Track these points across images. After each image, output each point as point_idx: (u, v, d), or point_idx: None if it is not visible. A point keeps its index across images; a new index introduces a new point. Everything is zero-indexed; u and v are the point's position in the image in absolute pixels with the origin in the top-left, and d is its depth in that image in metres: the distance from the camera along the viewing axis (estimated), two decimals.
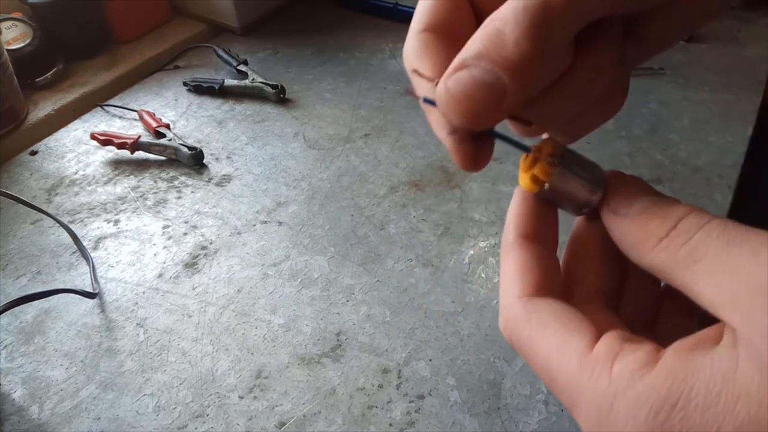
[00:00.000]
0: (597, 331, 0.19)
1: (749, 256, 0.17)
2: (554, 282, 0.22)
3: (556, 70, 0.22)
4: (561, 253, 0.25)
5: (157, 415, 0.49)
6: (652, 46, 0.24)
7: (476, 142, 0.22)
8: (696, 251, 0.18)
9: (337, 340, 0.53)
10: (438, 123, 0.22)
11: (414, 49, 0.23)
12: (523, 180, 0.23)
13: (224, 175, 0.72)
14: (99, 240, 0.64)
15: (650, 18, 0.23)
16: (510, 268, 0.22)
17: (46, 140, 0.78)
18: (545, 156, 0.22)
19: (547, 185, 0.22)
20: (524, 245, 0.22)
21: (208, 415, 0.48)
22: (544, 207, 0.23)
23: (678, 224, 0.19)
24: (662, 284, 0.24)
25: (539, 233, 0.23)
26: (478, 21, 0.24)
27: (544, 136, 0.24)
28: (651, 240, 0.19)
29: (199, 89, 0.84)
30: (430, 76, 0.22)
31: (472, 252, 0.61)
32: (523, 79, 0.19)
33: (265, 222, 0.65)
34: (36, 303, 0.56)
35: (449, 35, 0.23)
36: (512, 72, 0.19)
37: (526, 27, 0.18)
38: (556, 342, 0.19)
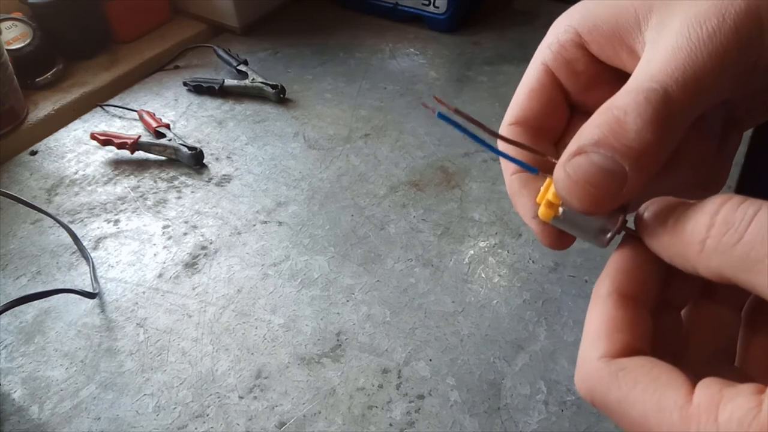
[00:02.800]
0: (691, 381, 0.18)
1: None
2: (644, 345, 0.20)
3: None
4: None
5: (157, 415, 0.49)
6: (747, 128, 0.25)
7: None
8: (754, 250, 0.16)
9: (337, 340, 0.53)
10: (524, 207, 0.23)
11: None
12: (540, 210, 0.22)
13: (224, 175, 0.72)
14: (99, 240, 0.64)
15: (752, 106, 0.23)
16: (597, 325, 0.20)
17: (46, 140, 0.78)
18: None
19: (561, 210, 0.21)
20: (619, 303, 0.20)
21: (208, 415, 0.48)
22: (651, 266, 0.21)
23: (716, 220, 0.17)
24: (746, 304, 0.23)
25: (640, 292, 0.21)
26: (571, 114, 0.26)
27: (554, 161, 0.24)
28: (694, 247, 0.18)
29: (199, 89, 0.84)
30: (530, 158, 0.23)
31: (472, 252, 0.61)
32: (644, 167, 0.19)
33: (265, 222, 0.65)
34: (36, 303, 0.56)
35: (540, 129, 0.24)
36: (634, 160, 0.19)
37: (649, 117, 0.19)
38: (651, 400, 0.18)
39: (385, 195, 0.68)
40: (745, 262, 0.16)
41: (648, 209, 0.20)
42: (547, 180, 0.22)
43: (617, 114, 0.19)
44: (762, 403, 0.16)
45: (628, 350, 0.19)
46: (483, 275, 0.58)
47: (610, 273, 0.21)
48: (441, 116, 0.21)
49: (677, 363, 0.19)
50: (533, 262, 0.59)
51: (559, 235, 0.23)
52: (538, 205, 0.22)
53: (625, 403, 0.18)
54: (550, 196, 0.21)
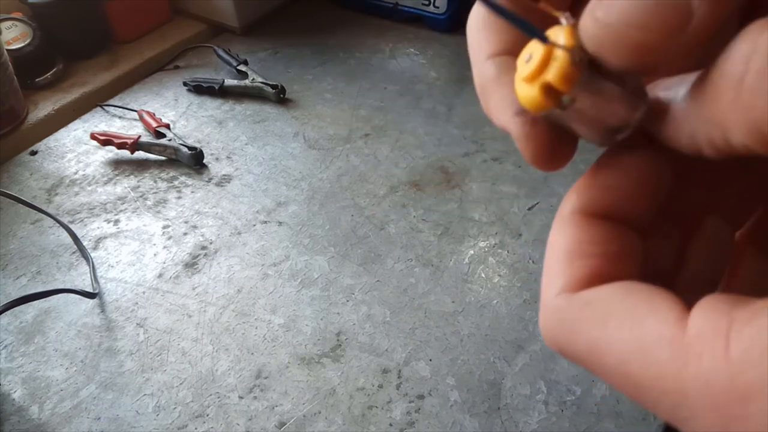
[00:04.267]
0: (683, 304, 0.13)
1: None
2: (624, 269, 0.15)
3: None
4: None
5: (157, 415, 0.49)
6: None
7: (554, 127, 0.16)
8: None
9: (337, 340, 0.53)
10: (504, 100, 0.16)
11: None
12: (526, 92, 0.15)
13: (224, 175, 0.72)
14: (99, 240, 0.64)
15: None
16: (556, 252, 0.16)
17: (46, 140, 0.78)
18: (566, 51, 0.14)
19: (566, 98, 0.14)
20: (582, 224, 0.16)
21: (208, 415, 0.48)
22: (633, 172, 0.16)
23: (757, 45, 0.11)
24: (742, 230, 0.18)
25: (614, 207, 0.16)
26: None
27: (562, 21, 0.14)
28: (727, 94, 0.12)
29: (199, 89, 0.84)
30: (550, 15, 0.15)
31: (472, 252, 0.61)
32: None
33: (265, 222, 0.65)
34: (36, 303, 0.56)
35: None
36: None
37: None
38: (629, 338, 0.13)
39: (385, 195, 0.68)
40: None
41: (659, 86, 0.15)
42: (542, 50, 0.14)
43: None
44: None
45: (596, 278, 0.15)
46: (483, 275, 0.58)
47: (577, 188, 0.16)
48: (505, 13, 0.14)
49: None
50: (533, 262, 0.59)
51: (551, 146, 0.16)
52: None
53: (597, 349, 0.14)
54: (550, 75, 0.14)
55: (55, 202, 0.69)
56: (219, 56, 0.88)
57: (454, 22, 0.94)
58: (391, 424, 0.47)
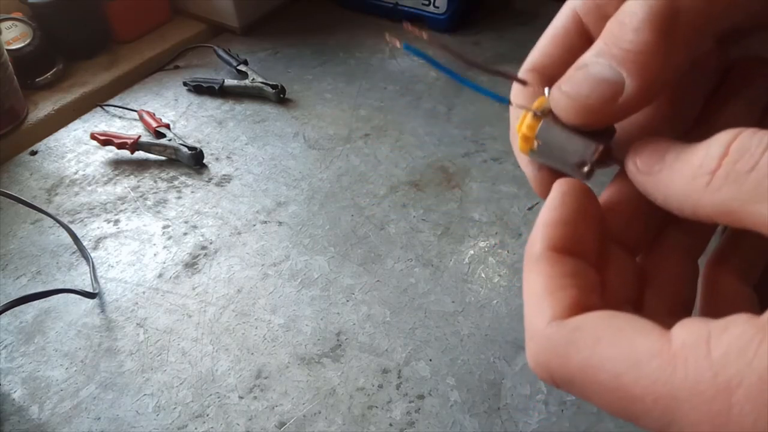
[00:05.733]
0: (660, 326, 0.15)
1: None
2: (596, 299, 0.18)
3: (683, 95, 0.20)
4: None
5: (157, 415, 0.49)
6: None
7: (552, 170, 0.21)
8: None
9: (337, 340, 0.53)
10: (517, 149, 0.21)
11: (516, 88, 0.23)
12: (518, 143, 0.21)
13: (224, 175, 0.72)
14: (99, 240, 0.64)
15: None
16: (535, 289, 0.18)
17: (46, 140, 0.78)
18: (528, 110, 0.20)
19: (535, 143, 0.20)
20: (554, 260, 0.18)
21: (208, 415, 0.48)
22: (587, 211, 0.19)
23: (729, 149, 0.15)
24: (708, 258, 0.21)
25: (575, 244, 0.18)
26: None
27: (545, 92, 0.21)
28: (701, 179, 0.15)
29: (199, 89, 0.84)
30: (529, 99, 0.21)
31: (472, 252, 0.61)
32: (642, 72, 0.17)
33: (265, 222, 0.65)
34: (36, 303, 0.56)
35: (557, 77, 0.22)
36: (631, 64, 0.17)
37: (645, 14, 0.17)
38: (620, 354, 0.15)
39: (385, 195, 0.68)
40: (758, 189, 0.14)
41: (642, 143, 0.18)
42: (523, 112, 0.21)
43: (618, 17, 0.18)
44: (765, 328, 0.13)
45: (579, 307, 0.17)
46: (483, 275, 0.58)
47: (540, 229, 0.19)
48: (408, 48, 0.20)
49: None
50: None
51: (551, 179, 0.20)
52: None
53: (590, 368, 0.15)
54: (524, 128, 0.20)
55: (55, 202, 0.69)
56: (219, 56, 0.88)
57: (454, 22, 0.94)
58: (391, 424, 0.47)
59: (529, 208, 0.65)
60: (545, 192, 0.20)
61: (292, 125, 0.79)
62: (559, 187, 0.19)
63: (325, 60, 0.91)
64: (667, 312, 0.20)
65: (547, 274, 0.18)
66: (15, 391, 0.51)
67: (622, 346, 0.15)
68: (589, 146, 0.19)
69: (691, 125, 0.22)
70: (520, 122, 0.20)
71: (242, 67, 0.85)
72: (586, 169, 0.19)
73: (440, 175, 0.70)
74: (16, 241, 0.64)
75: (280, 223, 0.65)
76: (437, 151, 0.73)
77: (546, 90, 0.20)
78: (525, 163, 0.22)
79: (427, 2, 0.94)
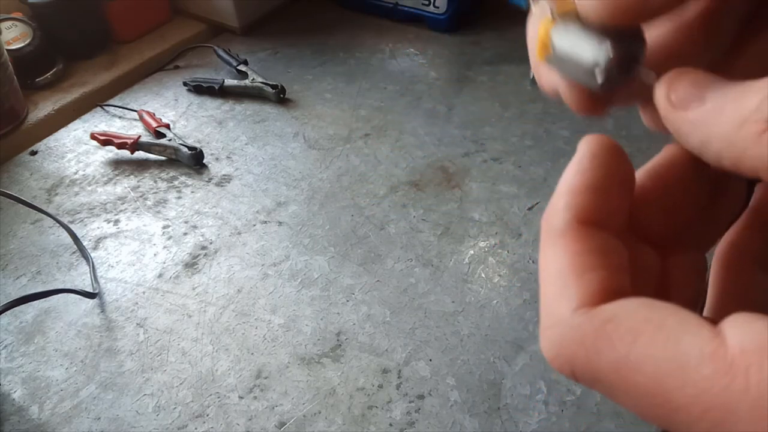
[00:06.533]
0: (708, 320, 0.13)
1: None
2: (627, 282, 0.15)
3: None
4: None
5: (157, 415, 0.49)
6: None
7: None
8: None
9: (337, 340, 0.53)
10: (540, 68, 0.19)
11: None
12: (537, 47, 0.19)
13: (224, 175, 0.72)
14: (99, 240, 0.64)
15: None
16: (559, 268, 0.15)
17: (46, 140, 0.78)
18: (549, 12, 0.18)
19: (552, 45, 0.18)
20: (582, 234, 0.15)
21: (208, 415, 0.48)
22: (620, 175, 0.16)
23: None
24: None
25: (607, 214, 0.16)
26: None
27: None
28: (753, 126, 0.13)
29: (199, 89, 0.84)
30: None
31: (472, 252, 0.61)
32: None
33: (265, 222, 0.65)
34: (36, 303, 0.56)
35: None
36: None
37: None
38: (664, 354, 0.13)
39: (385, 195, 0.68)
40: None
41: (678, 73, 0.15)
42: (543, 18, 0.18)
43: None
44: None
45: (610, 292, 0.14)
46: (483, 275, 0.58)
47: (565, 197, 0.16)
48: None
49: None
50: (533, 262, 0.59)
51: (589, 96, 0.18)
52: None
53: (626, 368, 0.13)
54: (541, 30, 0.18)
55: (55, 202, 0.69)
56: (219, 56, 0.88)
57: (454, 22, 0.94)
58: (391, 424, 0.47)
59: (529, 208, 0.65)
60: (577, 102, 0.18)
61: (292, 125, 0.79)
62: (587, 145, 0.16)
63: (325, 60, 0.91)
64: (689, 303, 0.18)
65: (573, 251, 0.15)
66: (15, 391, 0.51)
67: (666, 345, 0.13)
68: (603, 43, 0.16)
69: (723, 54, 0.19)
70: (539, 27, 0.18)
71: (242, 67, 0.85)
72: (600, 73, 0.16)
73: (440, 175, 0.70)
74: (16, 241, 0.64)
75: (280, 223, 0.65)
76: (437, 151, 0.73)
77: None
78: (544, 74, 0.19)
79: (427, 2, 0.94)
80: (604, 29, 0.16)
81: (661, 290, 0.18)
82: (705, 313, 0.18)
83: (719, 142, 0.14)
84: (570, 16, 0.17)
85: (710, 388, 0.12)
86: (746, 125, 0.13)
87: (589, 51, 0.16)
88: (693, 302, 0.18)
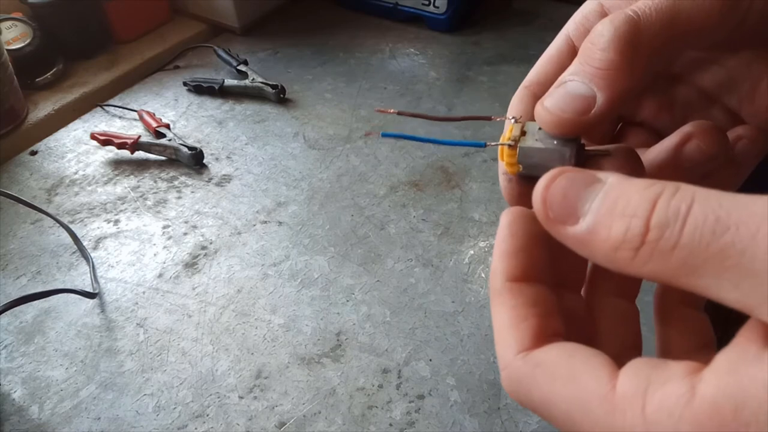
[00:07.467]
0: (614, 365, 0.16)
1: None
2: (556, 323, 0.19)
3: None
4: None
5: (157, 415, 0.49)
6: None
7: (525, 186, 0.23)
8: (693, 255, 0.14)
9: (337, 340, 0.53)
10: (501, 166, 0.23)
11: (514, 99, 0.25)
12: (506, 168, 0.23)
13: (224, 175, 0.72)
14: (99, 240, 0.64)
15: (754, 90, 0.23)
16: (502, 322, 0.19)
17: (46, 140, 0.78)
18: (504, 141, 0.22)
19: (520, 166, 0.22)
20: (514, 291, 0.19)
21: (208, 415, 0.48)
22: (535, 234, 0.20)
23: (650, 224, 0.15)
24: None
25: (530, 270, 0.20)
26: None
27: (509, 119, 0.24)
28: (625, 253, 0.15)
29: (199, 89, 0.84)
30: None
31: (472, 252, 0.61)
32: (610, 86, 0.20)
33: (265, 222, 0.65)
34: (36, 303, 0.56)
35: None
36: (600, 80, 0.20)
37: (610, 35, 0.19)
38: (572, 395, 0.16)
39: (385, 195, 0.68)
40: (684, 268, 0.14)
41: (551, 179, 0.18)
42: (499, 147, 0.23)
43: (591, 39, 0.20)
44: (695, 387, 0.14)
45: (541, 336, 0.18)
46: (483, 275, 0.58)
47: (496, 262, 0.20)
48: (385, 135, 0.24)
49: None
50: None
51: (522, 190, 0.23)
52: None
53: (548, 403, 0.17)
54: (506, 158, 0.22)
55: (55, 202, 0.69)
56: (219, 56, 0.88)
57: (454, 22, 0.94)
58: (391, 424, 0.47)
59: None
60: (514, 201, 0.23)
61: (292, 125, 0.79)
62: (505, 217, 0.20)
63: (325, 60, 0.91)
64: (619, 350, 0.20)
65: (510, 305, 0.19)
66: (15, 391, 0.51)
67: (574, 387, 0.16)
68: (564, 151, 0.21)
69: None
70: (500, 154, 0.23)
71: (242, 67, 0.85)
72: (569, 160, 0.21)
73: (440, 175, 0.70)
74: (16, 241, 0.64)
75: (280, 223, 0.65)
76: (437, 151, 0.73)
77: (511, 120, 0.23)
78: (501, 179, 0.24)
79: (427, 2, 0.94)
80: (559, 142, 0.22)
81: (589, 329, 0.21)
82: (656, 351, 0.21)
83: (602, 259, 0.16)
84: (519, 137, 0.22)
85: (602, 423, 0.16)
86: (618, 252, 0.16)
87: (552, 159, 0.21)
88: (622, 345, 0.21)
